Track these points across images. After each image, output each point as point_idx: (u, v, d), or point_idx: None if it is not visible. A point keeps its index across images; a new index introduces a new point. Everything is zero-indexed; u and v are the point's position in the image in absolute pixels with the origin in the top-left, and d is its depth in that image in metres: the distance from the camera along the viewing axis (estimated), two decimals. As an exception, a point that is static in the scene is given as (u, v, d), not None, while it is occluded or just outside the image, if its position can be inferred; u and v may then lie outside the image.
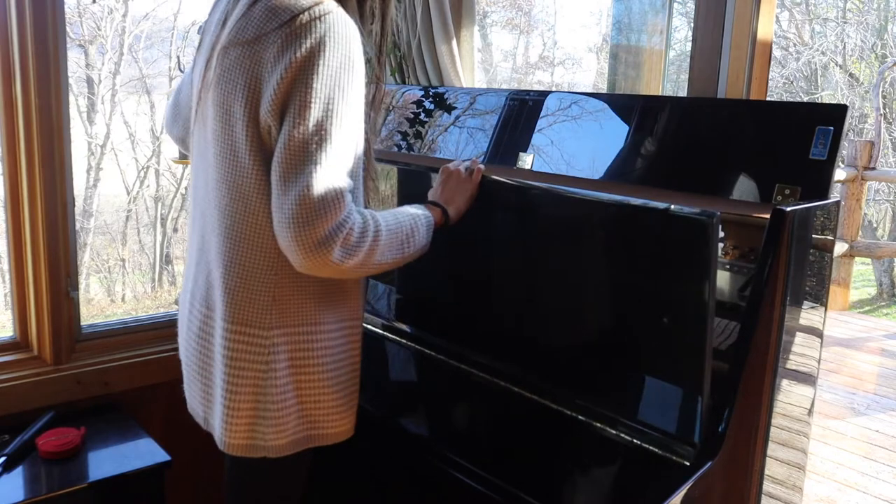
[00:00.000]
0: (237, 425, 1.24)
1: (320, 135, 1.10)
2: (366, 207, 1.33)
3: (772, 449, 1.42)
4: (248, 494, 1.35)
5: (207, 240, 1.27)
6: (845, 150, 5.37)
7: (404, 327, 1.75)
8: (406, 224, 1.24)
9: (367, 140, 1.27)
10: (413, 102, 2.17)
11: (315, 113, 1.10)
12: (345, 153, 1.14)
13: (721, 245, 1.49)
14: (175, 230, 7.87)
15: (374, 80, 1.31)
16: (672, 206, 1.22)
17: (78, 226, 2.04)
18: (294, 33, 1.11)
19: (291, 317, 1.22)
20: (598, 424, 1.35)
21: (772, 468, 1.44)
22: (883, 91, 7.84)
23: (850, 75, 9.73)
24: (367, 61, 1.23)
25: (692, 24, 2.26)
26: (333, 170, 1.11)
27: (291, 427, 1.24)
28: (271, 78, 1.12)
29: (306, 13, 1.11)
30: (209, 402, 1.30)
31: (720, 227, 1.20)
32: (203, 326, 1.28)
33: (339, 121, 1.12)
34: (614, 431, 1.33)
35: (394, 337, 1.76)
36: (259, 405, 1.23)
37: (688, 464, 1.22)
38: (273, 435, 1.23)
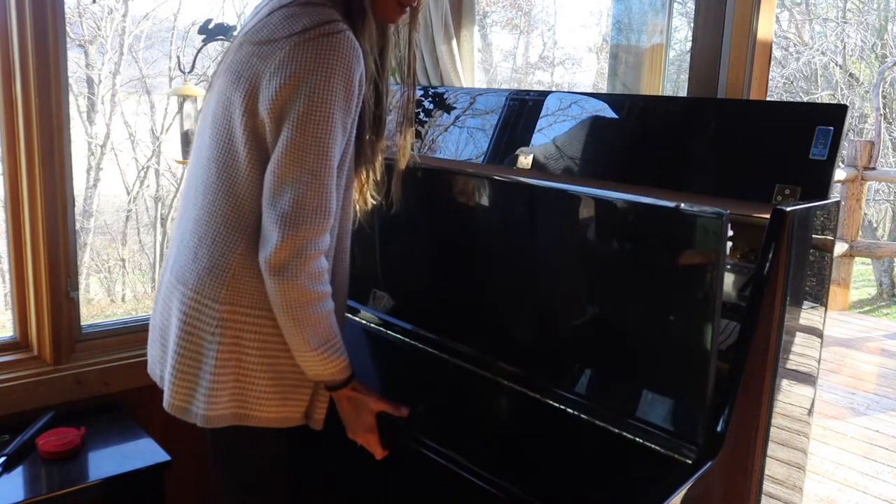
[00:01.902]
0: (179, 387, 1.32)
1: (318, 146, 1.20)
2: (355, 212, 1.43)
3: (772, 449, 1.42)
4: (218, 464, 1.46)
5: (188, 212, 1.36)
6: (845, 150, 5.37)
7: (407, 325, 1.75)
8: (334, 329, 1.30)
9: (368, 148, 1.38)
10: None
11: (315, 124, 1.19)
12: (334, 165, 1.23)
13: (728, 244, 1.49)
14: (175, 230, 7.86)
15: (404, 88, 1.43)
16: (682, 205, 1.22)
17: (78, 226, 2.04)
18: (302, 45, 1.19)
19: (244, 297, 1.28)
20: (601, 423, 1.35)
21: (772, 468, 1.43)
22: (883, 91, 7.84)
23: (850, 75, 9.72)
24: (373, 78, 1.32)
25: (692, 24, 2.26)
26: (324, 180, 1.21)
27: (223, 402, 1.30)
28: (273, 79, 1.20)
29: (318, 29, 1.19)
30: (164, 363, 1.39)
31: (728, 226, 1.20)
32: (168, 291, 1.37)
33: (335, 136, 1.21)
34: (616, 430, 1.33)
35: (395, 335, 1.76)
36: (199, 373, 1.30)
37: (690, 462, 1.22)
38: (204, 404, 1.30)
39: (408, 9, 1.37)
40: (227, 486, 1.49)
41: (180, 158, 2.10)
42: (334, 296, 1.36)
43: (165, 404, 1.36)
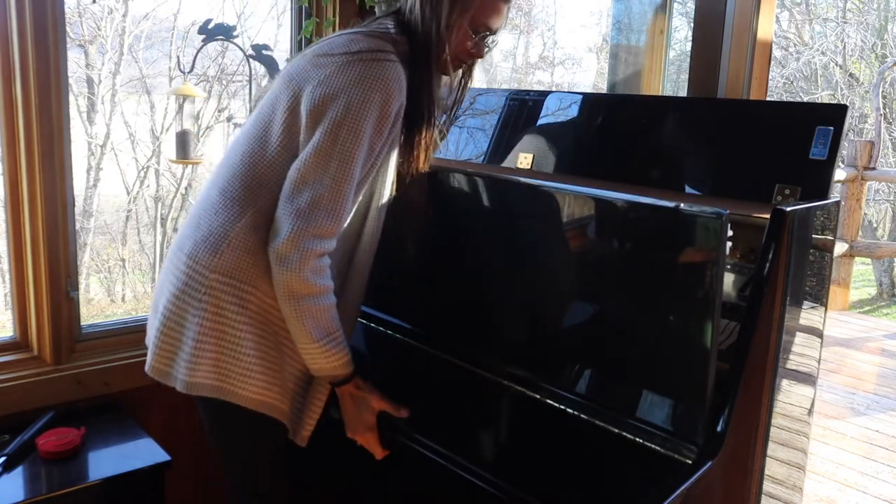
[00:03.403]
0: (162, 350, 1.37)
1: (343, 155, 1.28)
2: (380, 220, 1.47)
3: (772, 449, 1.42)
4: (218, 453, 1.49)
5: (203, 193, 1.43)
6: (845, 150, 5.37)
7: (406, 325, 1.75)
8: (336, 323, 1.34)
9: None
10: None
11: (346, 134, 1.28)
12: (354, 176, 1.30)
13: (728, 244, 1.49)
14: (175, 230, 7.86)
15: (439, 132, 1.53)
16: (682, 205, 1.22)
17: (78, 226, 2.04)
18: (352, 63, 1.31)
19: (235, 269, 1.33)
20: (601, 423, 1.35)
21: (772, 468, 1.44)
22: (883, 91, 7.83)
23: (850, 75, 9.72)
24: (409, 114, 1.40)
25: (692, 24, 2.26)
26: (343, 187, 1.29)
27: (202, 370, 1.33)
28: (320, 87, 1.31)
29: (369, 53, 1.32)
30: (153, 328, 1.43)
31: (728, 226, 1.20)
32: (168, 261, 1.43)
33: (361, 149, 1.29)
34: (616, 430, 1.32)
35: (395, 335, 1.76)
36: (182, 338, 1.34)
37: (690, 462, 1.22)
38: (184, 370, 1.34)
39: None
40: (229, 484, 1.50)
41: (174, 157, 2.10)
42: (346, 305, 1.41)
43: (147, 367, 1.40)
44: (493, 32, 1.44)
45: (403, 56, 1.37)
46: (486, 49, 1.47)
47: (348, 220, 1.40)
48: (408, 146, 1.44)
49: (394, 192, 1.48)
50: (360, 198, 1.41)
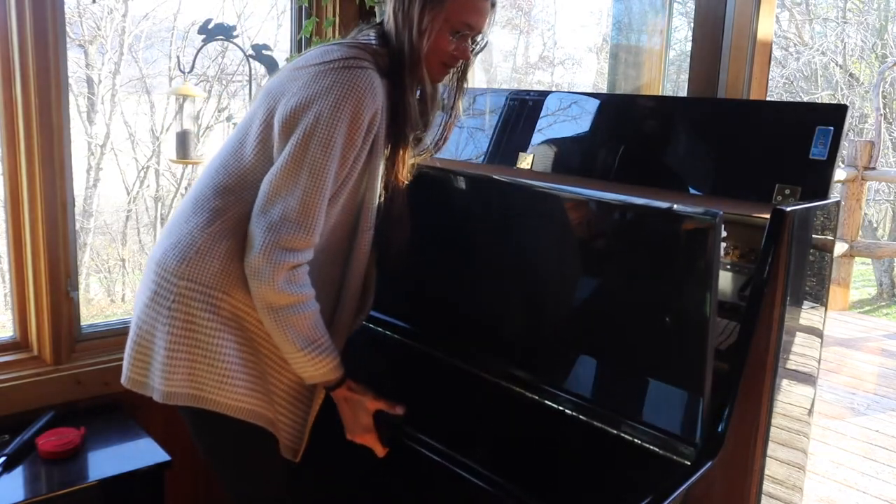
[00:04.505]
0: (136, 360, 1.36)
1: (314, 166, 1.27)
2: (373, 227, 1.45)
3: (772, 449, 1.42)
4: (199, 446, 1.47)
5: (185, 197, 1.43)
6: (845, 150, 5.37)
7: (405, 325, 1.75)
8: (319, 330, 1.32)
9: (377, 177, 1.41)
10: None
11: (316, 145, 1.26)
12: (326, 187, 1.28)
13: (722, 245, 1.49)
14: (175, 230, 7.82)
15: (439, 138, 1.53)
16: (675, 206, 1.22)
17: (78, 226, 2.04)
18: (324, 73, 1.29)
19: (203, 275, 1.31)
20: (600, 424, 1.35)
21: (772, 468, 1.44)
22: (883, 91, 7.83)
23: (850, 75, 9.71)
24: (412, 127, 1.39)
25: (692, 24, 2.26)
26: (315, 199, 1.27)
27: (177, 379, 1.32)
28: (293, 98, 1.30)
29: (341, 61, 1.30)
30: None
31: (723, 226, 1.20)
32: (146, 269, 1.42)
33: (332, 160, 1.27)
34: (615, 431, 1.33)
35: (394, 335, 1.76)
36: (154, 347, 1.33)
37: (689, 463, 1.22)
38: (160, 380, 1.33)
39: (452, 70, 1.44)
40: (227, 494, 1.49)
41: (174, 157, 2.11)
42: (342, 316, 1.42)
43: (123, 379, 1.39)
44: (476, 31, 1.39)
45: (383, 68, 1.35)
46: (472, 50, 1.41)
47: (339, 235, 1.39)
48: (389, 158, 1.41)
49: (382, 204, 1.45)
50: (342, 211, 1.37)
